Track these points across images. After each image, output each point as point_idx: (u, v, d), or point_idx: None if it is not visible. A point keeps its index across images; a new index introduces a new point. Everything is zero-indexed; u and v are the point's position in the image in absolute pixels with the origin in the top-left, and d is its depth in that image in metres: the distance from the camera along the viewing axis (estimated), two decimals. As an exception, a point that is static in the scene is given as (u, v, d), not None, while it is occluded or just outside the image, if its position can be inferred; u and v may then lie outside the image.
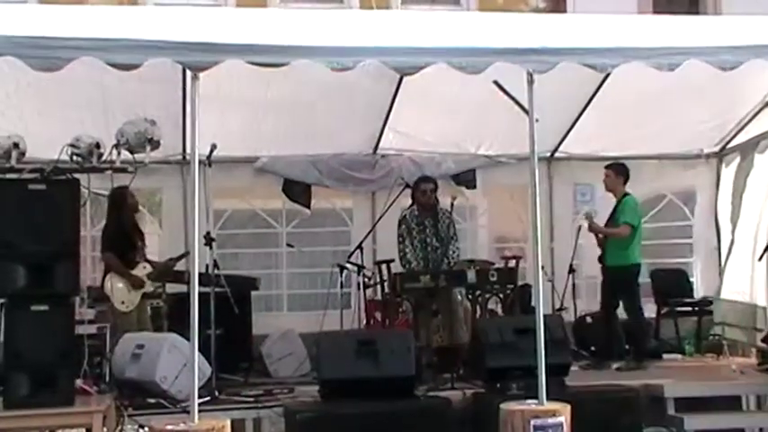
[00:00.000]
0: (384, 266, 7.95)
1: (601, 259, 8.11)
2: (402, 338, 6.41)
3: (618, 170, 8.03)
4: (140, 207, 8.06)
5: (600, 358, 7.92)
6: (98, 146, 5.89)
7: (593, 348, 8.61)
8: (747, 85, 7.19)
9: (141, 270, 7.44)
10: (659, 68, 5.26)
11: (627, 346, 8.21)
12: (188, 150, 7.87)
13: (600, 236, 8.06)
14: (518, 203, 9.10)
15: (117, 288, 7.27)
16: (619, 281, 7.90)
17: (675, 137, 8.89)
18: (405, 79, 7.11)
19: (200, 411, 4.76)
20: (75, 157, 5.84)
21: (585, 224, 8.15)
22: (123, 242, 7.43)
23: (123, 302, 7.29)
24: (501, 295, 7.86)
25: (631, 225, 7.80)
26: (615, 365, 7.71)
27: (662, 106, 7.94)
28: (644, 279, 8.52)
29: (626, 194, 7.97)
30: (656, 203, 9.66)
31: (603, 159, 8.93)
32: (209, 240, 6.91)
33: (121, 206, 7.42)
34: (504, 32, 5.41)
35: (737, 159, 8.89)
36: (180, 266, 7.77)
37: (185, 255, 7.49)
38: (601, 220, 8.14)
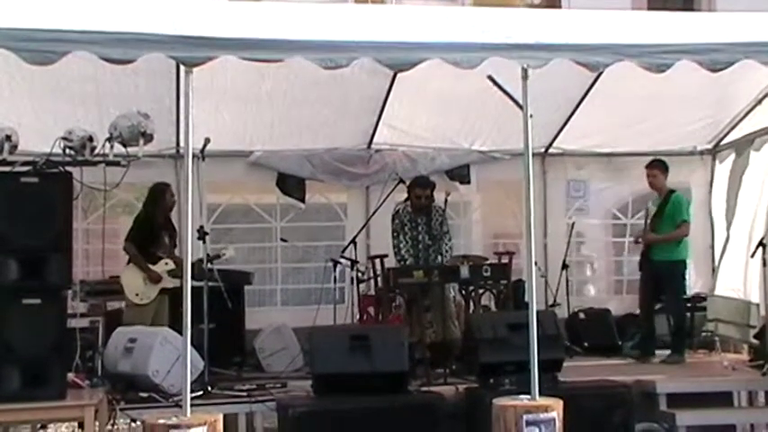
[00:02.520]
0: (377, 261, 7.94)
1: (643, 257, 8.17)
2: (395, 334, 6.41)
3: (664, 168, 8.15)
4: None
5: (642, 353, 8.04)
6: (91, 139, 5.87)
7: (585, 344, 8.64)
8: (741, 82, 7.20)
9: (162, 266, 7.53)
10: (650, 70, 5.27)
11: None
12: (181, 144, 7.89)
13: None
14: (512, 199, 9.09)
15: (132, 279, 7.34)
16: (665, 276, 8.00)
17: (669, 133, 8.90)
18: (399, 74, 7.10)
19: (192, 405, 4.76)
20: (67, 151, 5.81)
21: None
22: (148, 236, 7.57)
23: (137, 294, 7.40)
24: (494, 291, 7.87)
25: (689, 222, 8.00)
26: (658, 359, 7.91)
27: (655, 102, 7.95)
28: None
29: (672, 191, 8.08)
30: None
31: (597, 155, 8.96)
32: (202, 234, 6.89)
33: (157, 201, 7.56)
34: (499, 28, 5.40)
35: (732, 156, 8.89)
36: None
37: (217, 256, 7.43)
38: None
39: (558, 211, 9.47)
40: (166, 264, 7.57)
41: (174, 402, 5.72)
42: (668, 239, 8.07)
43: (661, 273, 8.05)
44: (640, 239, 8.32)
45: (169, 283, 7.55)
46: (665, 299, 8.18)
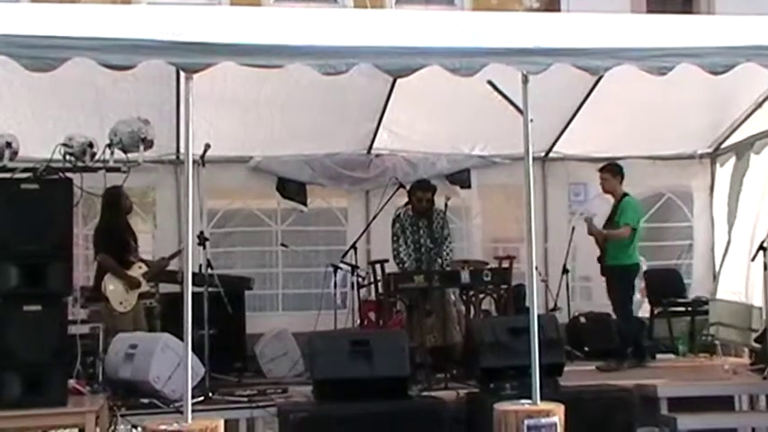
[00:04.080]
0: (378, 266, 7.94)
1: (600, 260, 8.13)
2: (396, 338, 6.41)
3: (613, 171, 8.08)
4: (134, 207, 8.01)
5: (618, 359, 7.89)
6: (91, 145, 5.88)
7: (586, 348, 8.63)
8: (741, 86, 7.20)
9: (137, 270, 7.43)
10: (650, 72, 5.28)
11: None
12: (182, 150, 7.88)
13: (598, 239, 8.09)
14: (512, 204, 9.11)
15: (114, 289, 7.27)
16: (616, 280, 7.93)
17: (669, 137, 8.91)
18: (399, 79, 7.10)
19: (193, 411, 4.75)
20: (68, 157, 5.82)
21: (585, 226, 8.14)
22: (117, 243, 7.42)
23: (121, 303, 7.29)
24: (495, 295, 7.86)
25: (632, 226, 7.86)
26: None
27: (655, 106, 7.95)
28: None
29: (625, 195, 8.01)
30: (653, 203, 9.70)
31: (597, 160, 8.94)
32: (202, 240, 6.90)
33: (115, 206, 7.41)
34: (498, 32, 5.40)
35: (733, 159, 8.89)
36: (173, 266, 7.77)
37: (178, 253, 7.47)
38: (598, 221, 8.17)
39: (558, 215, 9.46)
40: (140, 267, 7.47)
41: (175, 408, 5.72)
42: (606, 236, 7.97)
43: (613, 276, 8.01)
44: (587, 221, 8.14)
45: (146, 286, 7.49)
46: (613, 303, 8.05)
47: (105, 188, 7.00)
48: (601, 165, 8.27)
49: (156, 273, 7.56)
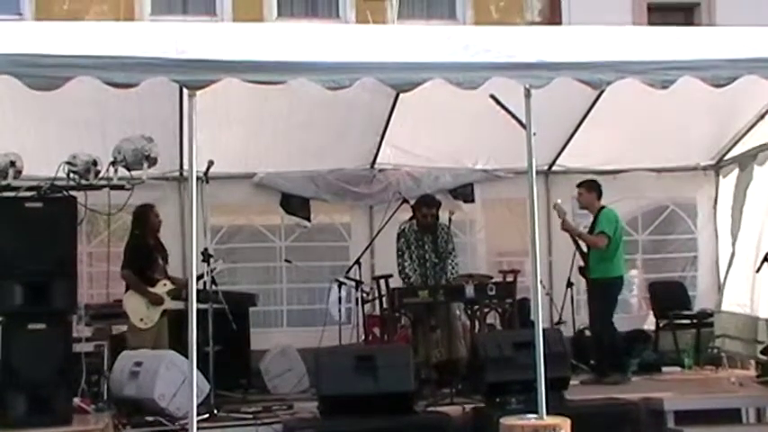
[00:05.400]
0: (382, 281, 7.93)
1: (583, 271, 8.11)
2: (401, 354, 6.40)
3: (589, 187, 8.07)
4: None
5: (595, 372, 7.89)
6: (95, 163, 5.90)
7: (592, 362, 8.59)
8: (743, 98, 7.20)
9: (161, 287, 7.48)
10: (653, 86, 5.29)
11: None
12: (185, 167, 7.91)
13: (580, 244, 8.04)
14: (516, 217, 9.08)
15: (135, 305, 7.31)
16: (600, 292, 7.88)
17: (672, 149, 8.90)
18: (402, 95, 7.13)
19: (198, 429, 4.76)
20: (72, 175, 5.83)
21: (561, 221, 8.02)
22: (143, 259, 7.49)
23: (142, 319, 7.35)
24: (499, 309, 7.85)
25: (608, 235, 7.81)
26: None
27: (658, 118, 7.95)
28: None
29: (602, 207, 7.98)
30: (657, 215, 9.68)
31: (600, 173, 8.96)
32: (206, 257, 6.90)
33: (144, 224, 7.51)
34: (501, 46, 5.42)
35: (736, 171, 8.88)
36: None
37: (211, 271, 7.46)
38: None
39: (562, 228, 9.44)
40: (165, 285, 7.53)
41: (181, 426, 5.72)
42: (581, 236, 7.98)
43: (595, 289, 7.95)
44: (559, 211, 8.02)
45: (170, 303, 7.53)
46: (595, 316, 7.96)
47: (136, 206, 7.10)
48: (577, 183, 8.22)
49: (182, 290, 7.55)
